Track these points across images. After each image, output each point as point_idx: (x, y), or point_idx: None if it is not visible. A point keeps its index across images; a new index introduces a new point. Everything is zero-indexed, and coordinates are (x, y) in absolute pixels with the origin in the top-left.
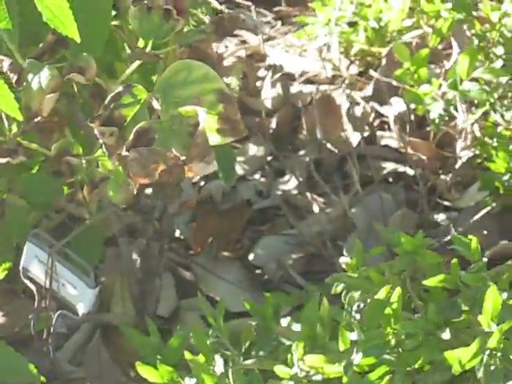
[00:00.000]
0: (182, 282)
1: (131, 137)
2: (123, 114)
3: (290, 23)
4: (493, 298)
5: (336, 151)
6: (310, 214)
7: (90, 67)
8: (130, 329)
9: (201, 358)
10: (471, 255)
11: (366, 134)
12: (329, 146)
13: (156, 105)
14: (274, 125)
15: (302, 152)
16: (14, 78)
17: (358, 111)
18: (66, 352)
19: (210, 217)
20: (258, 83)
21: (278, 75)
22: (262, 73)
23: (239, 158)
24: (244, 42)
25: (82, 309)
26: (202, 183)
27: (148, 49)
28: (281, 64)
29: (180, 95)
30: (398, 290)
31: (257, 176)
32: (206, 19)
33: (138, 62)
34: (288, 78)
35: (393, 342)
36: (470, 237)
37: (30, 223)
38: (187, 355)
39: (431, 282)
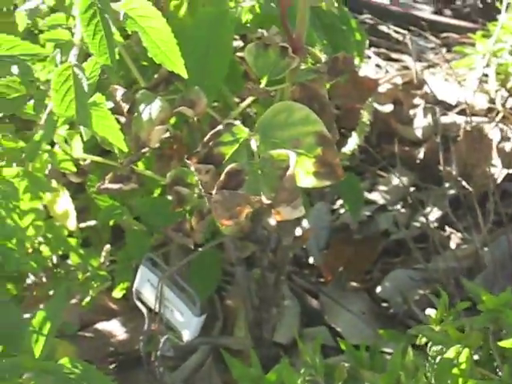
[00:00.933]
0: (308, 309)
1: (222, 177)
2: (222, 152)
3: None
4: None
5: (478, 186)
6: (445, 250)
7: (200, 101)
8: (231, 358)
9: None
10: None
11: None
12: (470, 180)
13: (254, 145)
14: (421, 155)
15: (446, 185)
16: (125, 107)
17: (508, 147)
18: (183, 372)
19: (343, 245)
20: (413, 111)
21: (430, 105)
22: (418, 100)
23: (382, 187)
24: (406, 67)
25: (186, 336)
26: (342, 211)
27: (262, 85)
28: (435, 93)
29: (279, 136)
30: (467, 350)
31: (397, 206)
32: (323, 57)
33: (251, 98)
34: (443, 108)
35: None
36: None
37: (148, 246)
38: None
39: (507, 343)
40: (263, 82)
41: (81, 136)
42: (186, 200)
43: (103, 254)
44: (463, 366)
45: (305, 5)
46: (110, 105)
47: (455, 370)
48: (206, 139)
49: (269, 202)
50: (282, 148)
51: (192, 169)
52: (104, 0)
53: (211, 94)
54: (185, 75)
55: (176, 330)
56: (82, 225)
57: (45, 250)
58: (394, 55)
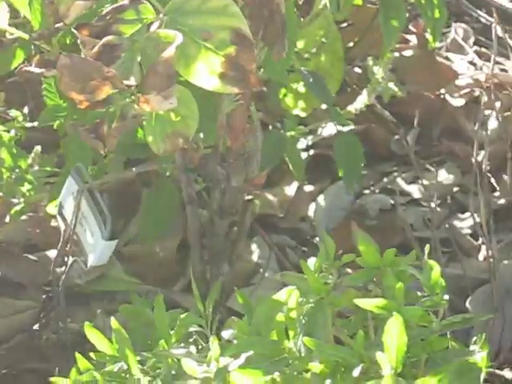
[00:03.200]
0: None
1: (95, 48)
2: (119, 31)
3: None
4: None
5: None
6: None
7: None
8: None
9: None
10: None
11: None
12: None
13: (154, 27)
14: (480, 157)
15: (497, 193)
16: None
17: None
18: None
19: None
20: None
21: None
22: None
23: (425, 182)
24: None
25: (90, 260)
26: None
27: None
28: None
29: (188, 24)
30: (297, 294)
31: (433, 204)
32: None
33: None
34: None
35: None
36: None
37: (89, 157)
38: None
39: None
40: None
41: None
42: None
43: (31, 155)
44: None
45: None
46: None
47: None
48: (105, 11)
49: (134, 84)
50: (189, 37)
51: (78, 41)
52: None
53: None
54: None
55: (84, 253)
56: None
57: None
58: (499, 58)
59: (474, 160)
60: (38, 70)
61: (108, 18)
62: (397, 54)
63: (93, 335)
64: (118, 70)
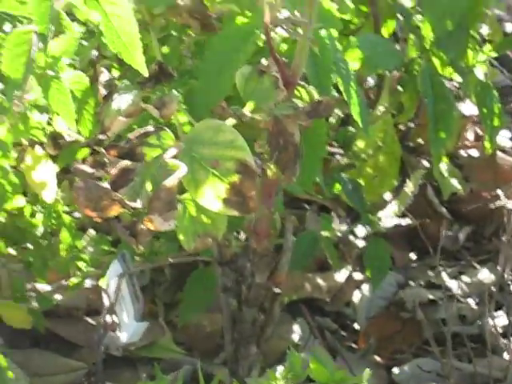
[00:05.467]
0: None
1: (114, 171)
2: (143, 153)
3: None
4: None
5: None
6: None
7: (169, 105)
8: None
9: None
10: None
11: None
12: None
13: (171, 153)
14: None
15: None
16: (103, 92)
17: None
18: None
19: (388, 320)
20: None
21: None
22: None
23: (465, 278)
24: None
25: (123, 337)
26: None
27: (246, 108)
28: None
29: (200, 152)
30: None
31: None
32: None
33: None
34: None
35: None
36: None
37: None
38: None
39: None
40: (248, 105)
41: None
42: None
43: (85, 237)
44: None
45: (304, 46)
46: None
47: None
48: (132, 135)
49: (138, 205)
50: (199, 164)
51: (105, 159)
52: None
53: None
54: (145, 72)
55: (120, 329)
56: None
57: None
58: None
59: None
60: (89, 170)
61: (135, 141)
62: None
63: None
64: (128, 192)
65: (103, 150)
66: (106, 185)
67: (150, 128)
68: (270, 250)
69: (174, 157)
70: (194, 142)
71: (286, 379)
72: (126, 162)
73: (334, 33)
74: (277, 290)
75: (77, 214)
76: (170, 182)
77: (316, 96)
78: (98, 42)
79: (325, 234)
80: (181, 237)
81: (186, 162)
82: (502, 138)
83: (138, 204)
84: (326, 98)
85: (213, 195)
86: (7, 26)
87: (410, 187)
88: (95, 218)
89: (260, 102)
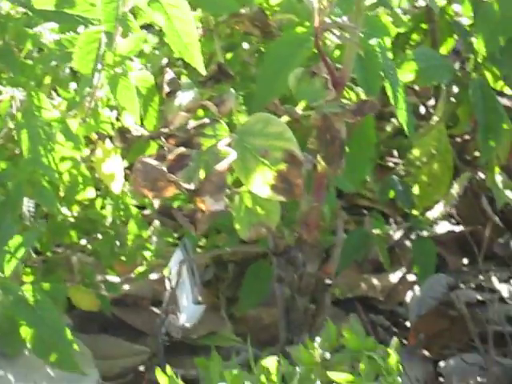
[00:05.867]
0: None
1: (171, 156)
2: (200, 143)
3: None
4: None
5: None
6: None
7: (227, 102)
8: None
9: None
10: None
11: None
12: None
13: (225, 142)
14: None
15: None
16: (167, 89)
17: None
18: None
19: (437, 317)
20: None
21: None
22: None
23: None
24: None
25: (182, 319)
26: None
27: (299, 107)
28: None
29: (251, 143)
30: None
31: None
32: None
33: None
34: None
35: None
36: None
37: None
38: None
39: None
40: (300, 104)
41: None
42: None
43: (151, 227)
44: None
45: (352, 50)
46: None
47: None
48: (189, 126)
49: (192, 187)
50: (250, 153)
51: (165, 148)
52: None
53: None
54: (202, 70)
55: (179, 312)
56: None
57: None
58: None
59: None
60: (154, 162)
61: (192, 132)
62: None
63: None
64: (183, 175)
65: (164, 140)
66: (163, 168)
67: (207, 120)
68: (319, 241)
69: (227, 146)
70: (246, 133)
71: (322, 347)
72: (182, 149)
73: (387, 42)
74: (327, 281)
75: (146, 212)
76: (222, 166)
77: (363, 97)
78: (169, 52)
79: (376, 231)
80: (237, 226)
81: (238, 151)
82: None
83: (192, 186)
84: (371, 98)
85: (262, 182)
86: (81, 28)
87: (455, 188)
88: (152, 197)
89: (311, 101)
